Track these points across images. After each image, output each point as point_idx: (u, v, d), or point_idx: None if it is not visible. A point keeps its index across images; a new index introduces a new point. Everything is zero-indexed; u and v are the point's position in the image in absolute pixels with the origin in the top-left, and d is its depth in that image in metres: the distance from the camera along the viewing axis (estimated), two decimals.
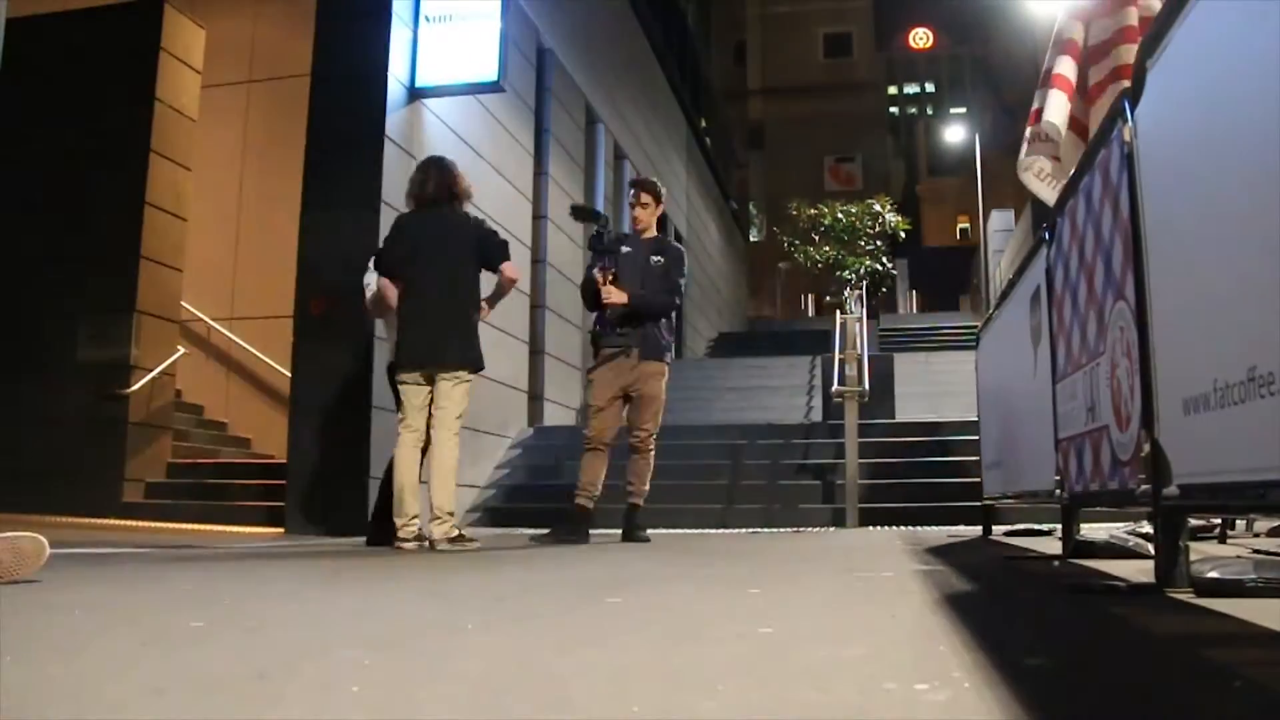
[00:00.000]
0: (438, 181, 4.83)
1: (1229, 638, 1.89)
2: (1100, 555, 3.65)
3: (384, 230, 6.64)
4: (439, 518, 4.48)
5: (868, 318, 13.93)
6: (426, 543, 4.55)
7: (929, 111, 52.02)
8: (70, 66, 8.07)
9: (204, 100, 8.65)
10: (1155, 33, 2.25)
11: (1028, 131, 5.33)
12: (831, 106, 41.62)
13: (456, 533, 4.53)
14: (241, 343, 9.42)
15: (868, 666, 1.45)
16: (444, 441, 4.55)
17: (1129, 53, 4.23)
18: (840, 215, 19.93)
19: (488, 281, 4.85)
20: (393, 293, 4.81)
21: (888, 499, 7.32)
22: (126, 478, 7.53)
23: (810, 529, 6.92)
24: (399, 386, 4.76)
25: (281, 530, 6.48)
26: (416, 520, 4.57)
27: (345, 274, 6.65)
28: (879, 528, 6.77)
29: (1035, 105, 5.33)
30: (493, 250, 4.76)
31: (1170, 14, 2.13)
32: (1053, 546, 4.36)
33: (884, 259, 20.20)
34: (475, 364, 4.69)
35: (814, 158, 41.58)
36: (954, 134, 37.49)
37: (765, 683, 1.34)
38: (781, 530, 6.81)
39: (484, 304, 4.89)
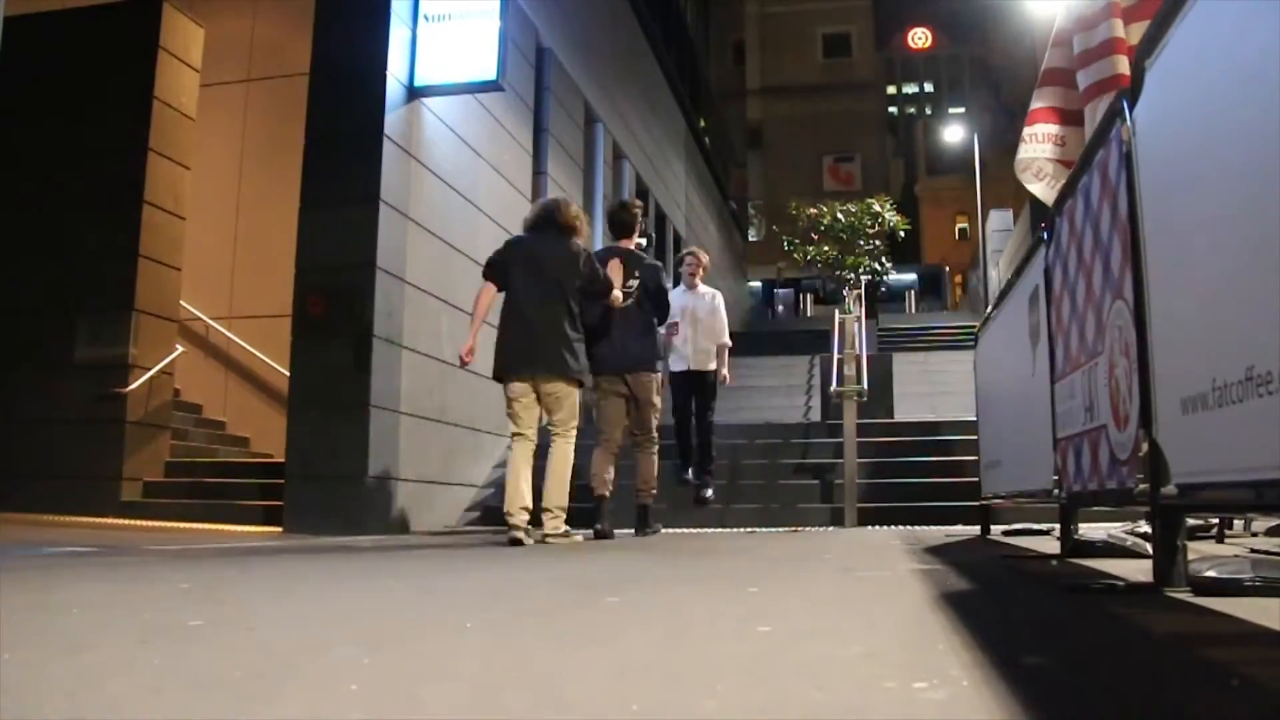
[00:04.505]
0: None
1: (1227, 637, 1.89)
2: (1098, 555, 3.66)
3: (382, 229, 6.67)
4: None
5: (866, 317, 13.94)
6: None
7: (928, 111, 52.06)
8: (69, 65, 8.07)
9: (203, 99, 8.64)
10: (1154, 33, 2.25)
11: (1024, 132, 5.36)
12: (830, 106, 41.64)
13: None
14: (240, 342, 9.41)
15: (866, 665, 1.45)
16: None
17: (1121, 63, 4.28)
18: (840, 215, 19.93)
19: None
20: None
21: (886, 498, 7.32)
22: (125, 477, 7.53)
23: (809, 528, 6.92)
24: None
25: (280, 529, 6.48)
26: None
27: (344, 273, 6.66)
28: (877, 527, 6.77)
29: (1033, 105, 5.36)
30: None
31: (1169, 14, 2.13)
32: (1051, 546, 4.37)
33: (883, 259, 20.20)
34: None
35: (813, 157, 41.59)
36: (953, 134, 37.51)
37: (764, 681, 1.34)
38: (780, 530, 6.81)
39: None
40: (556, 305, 4.82)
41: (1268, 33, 1.62)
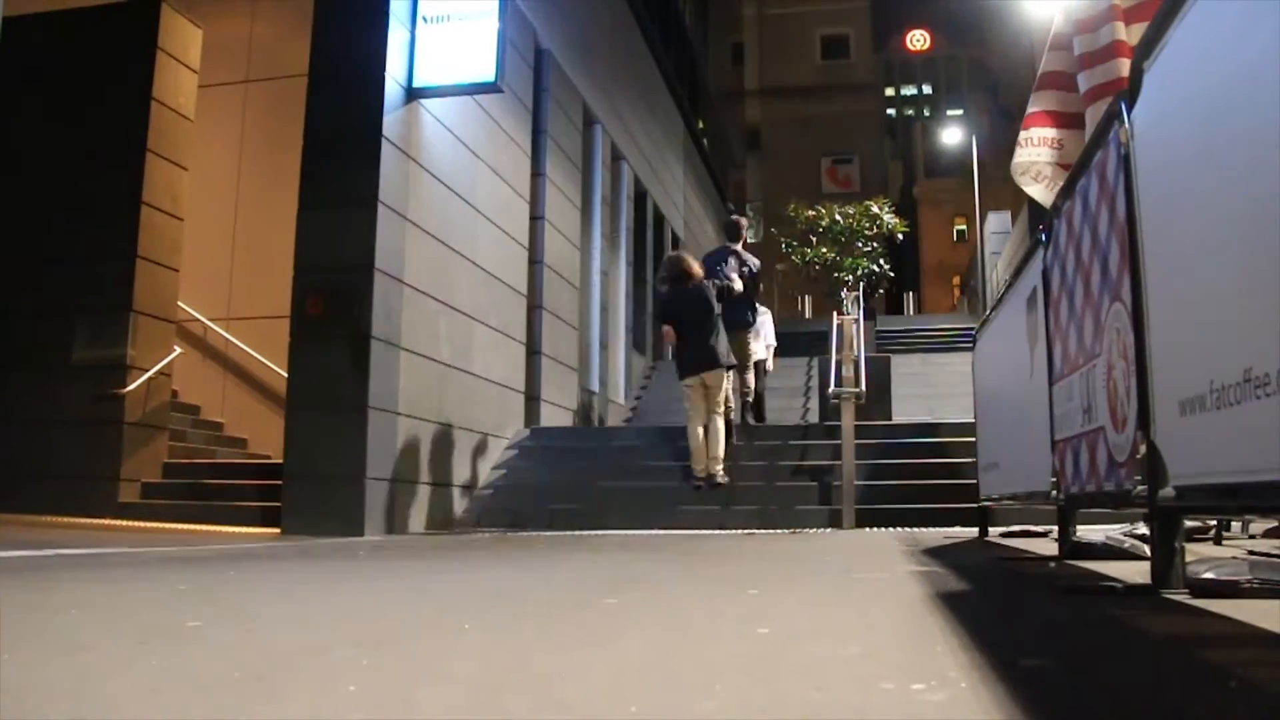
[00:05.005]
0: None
1: (1224, 638, 1.89)
2: (1096, 556, 3.66)
3: (381, 230, 6.68)
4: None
5: (864, 319, 13.93)
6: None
7: (926, 113, 52.10)
8: (67, 66, 8.06)
9: (201, 100, 8.64)
10: (1152, 34, 2.26)
11: (1020, 137, 5.37)
12: (829, 108, 41.67)
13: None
14: (238, 343, 9.41)
15: (865, 666, 1.45)
16: None
17: (1124, 66, 4.29)
18: (838, 217, 19.94)
19: None
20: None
21: (884, 500, 7.32)
22: (123, 478, 7.52)
23: (807, 530, 6.92)
24: None
25: (278, 530, 6.47)
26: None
27: (342, 274, 6.66)
28: (876, 529, 6.77)
29: (1029, 109, 5.38)
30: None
31: (1167, 15, 2.13)
32: (1049, 548, 4.37)
33: (881, 260, 20.21)
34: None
35: (811, 159, 41.62)
36: (951, 136, 37.55)
37: (763, 682, 1.35)
38: (779, 531, 6.81)
39: None
40: (709, 328, 6.78)
41: (1267, 33, 1.62)
